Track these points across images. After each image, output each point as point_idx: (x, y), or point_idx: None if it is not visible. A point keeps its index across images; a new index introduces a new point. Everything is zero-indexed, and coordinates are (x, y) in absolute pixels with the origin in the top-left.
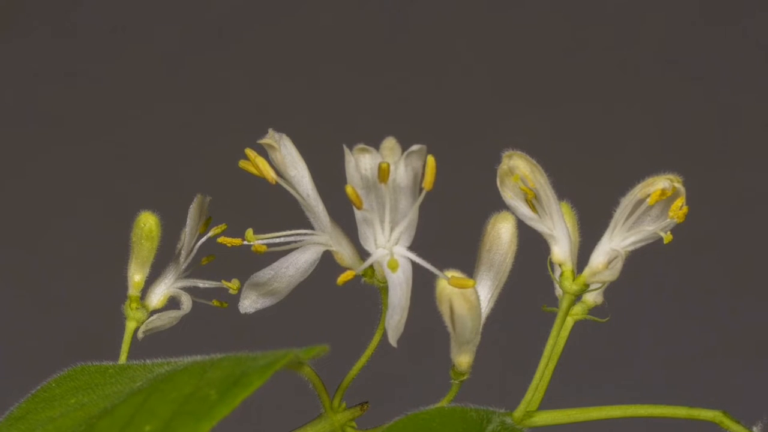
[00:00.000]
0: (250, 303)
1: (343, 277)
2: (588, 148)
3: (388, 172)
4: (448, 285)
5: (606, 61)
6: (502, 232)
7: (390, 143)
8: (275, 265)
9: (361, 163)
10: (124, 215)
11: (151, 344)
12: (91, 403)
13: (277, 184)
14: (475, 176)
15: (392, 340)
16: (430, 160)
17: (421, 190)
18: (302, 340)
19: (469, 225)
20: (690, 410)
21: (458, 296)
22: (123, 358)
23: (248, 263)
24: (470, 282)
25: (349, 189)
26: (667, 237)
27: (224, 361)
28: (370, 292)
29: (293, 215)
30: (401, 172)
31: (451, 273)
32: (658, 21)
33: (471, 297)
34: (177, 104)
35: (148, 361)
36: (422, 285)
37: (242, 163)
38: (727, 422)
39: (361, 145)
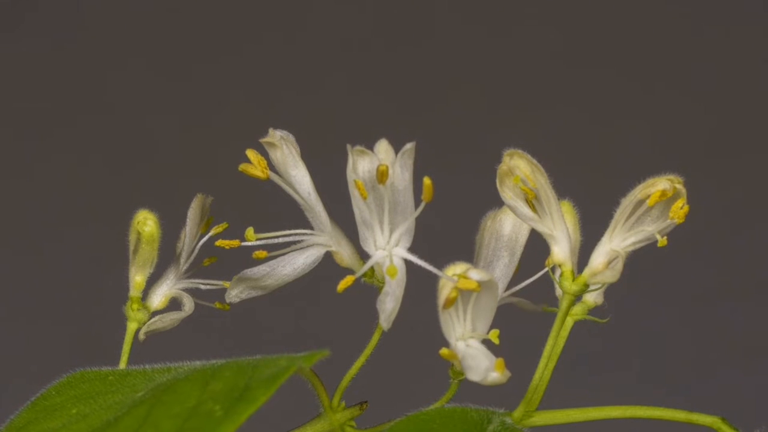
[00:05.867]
0: (236, 293)
1: (343, 284)
2: (589, 147)
3: (387, 174)
4: (449, 283)
5: (608, 61)
6: (502, 227)
7: (384, 146)
8: (272, 262)
9: (359, 166)
10: (125, 215)
11: (152, 343)
12: (93, 413)
13: (276, 185)
14: (475, 175)
15: (384, 323)
16: (427, 181)
17: (420, 200)
18: (302, 340)
19: (470, 225)
20: (689, 414)
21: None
22: (124, 359)
23: (250, 264)
24: (474, 283)
25: (358, 183)
26: (661, 241)
27: (226, 370)
28: (369, 292)
29: (293, 215)
30: (397, 173)
31: (456, 271)
32: (658, 20)
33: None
34: (177, 103)
35: (148, 366)
36: (422, 285)
37: (242, 167)
38: (725, 428)
39: (359, 148)
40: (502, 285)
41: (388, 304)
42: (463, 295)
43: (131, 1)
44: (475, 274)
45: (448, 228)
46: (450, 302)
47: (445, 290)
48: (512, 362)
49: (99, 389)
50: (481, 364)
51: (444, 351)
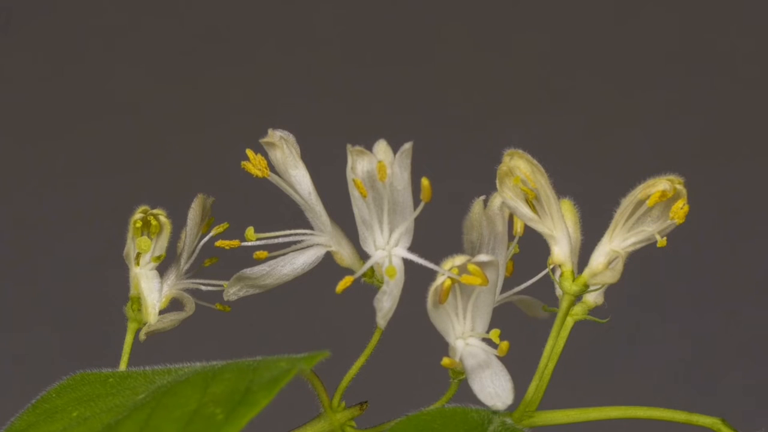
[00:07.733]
0: (234, 291)
1: (342, 285)
2: (590, 147)
3: (386, 173)
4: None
5: (609, 60)
6: (495, 224)
7: (382, 146)
8: (272, 262)
9: (358, 166)
10: (126, 215)
11: (152, 344)
12: (94, 416)
13: (275, 185)
14: (473, 175)
15: (380, 321)
16: (425, 182)
17: (419, 201)
18: (301, 340)
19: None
20: (689, 415)
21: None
22: (124, 360)
23: (251, 265)
24: (479, 279)
25: (357, 182)
26: (661, 242)
27: (226, 372)
28: (369, 292)
29: (293, 215)
30: (396, 173)
31: (456, 263)
32: (659, 19)
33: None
34: (177, 103)
35: (148, 368)
36: (422, 284)
37: (244, 164)
38: (725, 429)
39: (358, 147)
40: (500, 281)
41: (385, 303)
42: (462, 291)
43: (131, 3)
44: (483, 257)
45: (446, 228)
46: (446, 292)
47: (440, 279)
48: (512, 362)
49: (99, 391)
50: (481, 363)
51: (445, 360)
